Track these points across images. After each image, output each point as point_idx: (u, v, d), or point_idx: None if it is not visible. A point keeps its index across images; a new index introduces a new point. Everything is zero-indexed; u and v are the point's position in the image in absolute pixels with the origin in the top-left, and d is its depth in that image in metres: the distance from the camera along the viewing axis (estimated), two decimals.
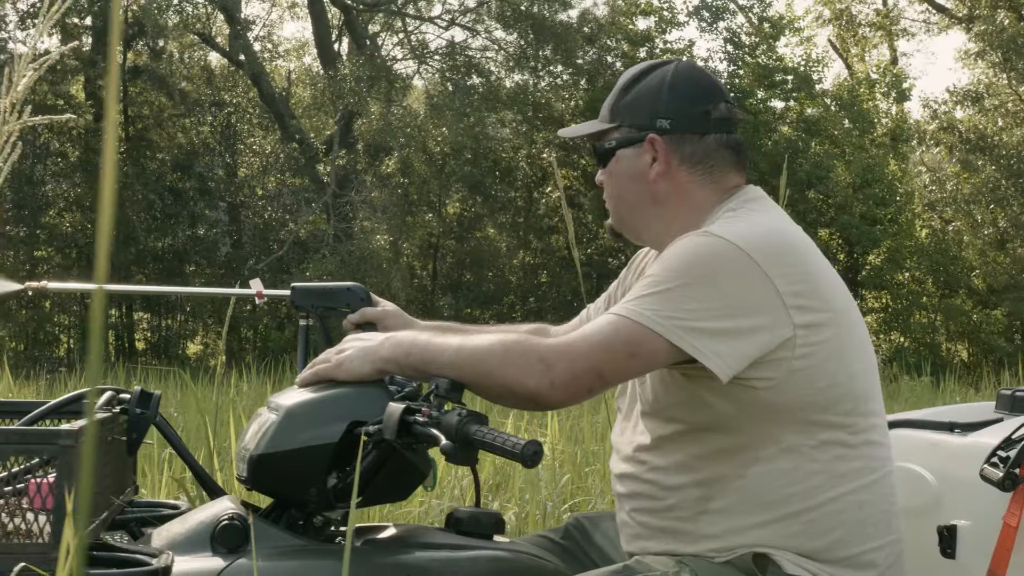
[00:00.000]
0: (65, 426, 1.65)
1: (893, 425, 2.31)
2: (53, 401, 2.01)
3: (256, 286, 2.38)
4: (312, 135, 23.97)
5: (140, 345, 23.36)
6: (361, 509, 2.26)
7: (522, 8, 22.51)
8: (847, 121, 24.78)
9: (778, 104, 25.04)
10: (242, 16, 23.53)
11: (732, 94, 23.57)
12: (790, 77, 24.60)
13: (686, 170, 1.98)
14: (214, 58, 25.32)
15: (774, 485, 1.82)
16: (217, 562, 1.74)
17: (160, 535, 1.86)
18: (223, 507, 1.84)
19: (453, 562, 1.85)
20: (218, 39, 24.53)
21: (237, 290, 2.44)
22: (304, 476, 1.82)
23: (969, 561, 2.09)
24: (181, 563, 1.73)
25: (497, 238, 24.85)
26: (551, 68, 24.07)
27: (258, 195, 24.41)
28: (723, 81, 24.09)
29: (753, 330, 1.77)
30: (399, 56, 24.92)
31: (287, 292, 2.28)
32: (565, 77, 24.26)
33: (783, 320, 1.78)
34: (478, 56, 24.10)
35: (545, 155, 23.73)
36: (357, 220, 21.45)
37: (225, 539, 1.77)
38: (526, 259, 24.63)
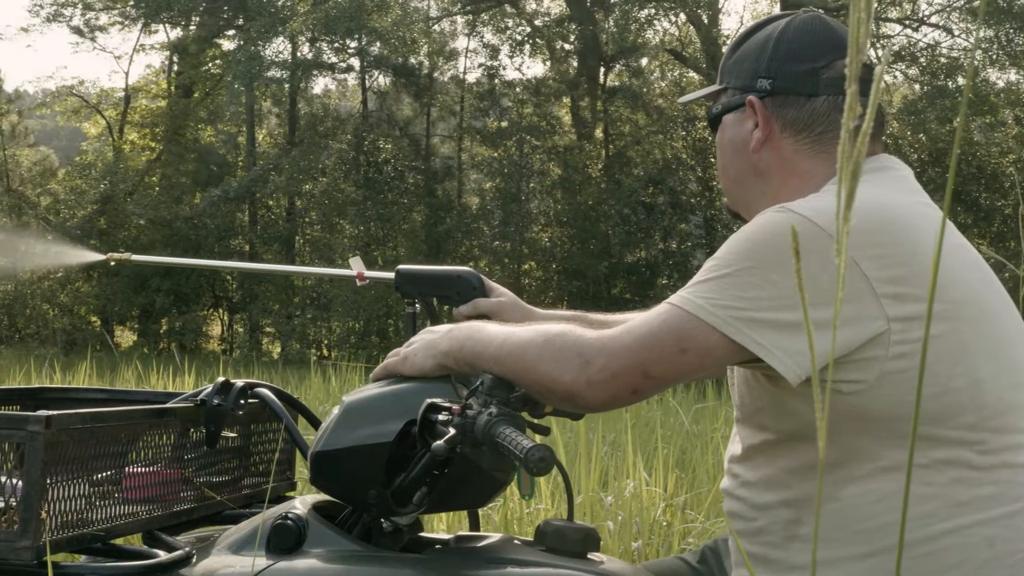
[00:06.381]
0: (41, 412, 1.62)
1: None
2: (188, 392, 2.10)
3: (356, 266, 2.21)
4: None
5: None
6: (461, 515, 2.12)
7: (1000, 3, 20.77)
8: None
9: None
10: (715, 32, 23.71)
11: None
12: None
13: (790, 137, 1.69)
14: (690, 74, 25.73)
15: (873, 510, 1.52)
16: (258, 562, 1.67)
17: (229, 532, 1.82)
18: (288, 507, 1.76)
19: None
20: (696, 55, 24.90)
21: (336, 270, 2.32)
22: (361, 476, 1.70)
23: None
24: (221, 560, 1.71)
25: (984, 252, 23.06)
26: None
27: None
28: None
29: (831, 323, 1.49)
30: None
31: (391, 275, 2.09)
32: None
33: (872, 311, 1.47)
34: (956, 56, 22.60)
35: None
36: None
37: (277, 539, 1.69)
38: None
